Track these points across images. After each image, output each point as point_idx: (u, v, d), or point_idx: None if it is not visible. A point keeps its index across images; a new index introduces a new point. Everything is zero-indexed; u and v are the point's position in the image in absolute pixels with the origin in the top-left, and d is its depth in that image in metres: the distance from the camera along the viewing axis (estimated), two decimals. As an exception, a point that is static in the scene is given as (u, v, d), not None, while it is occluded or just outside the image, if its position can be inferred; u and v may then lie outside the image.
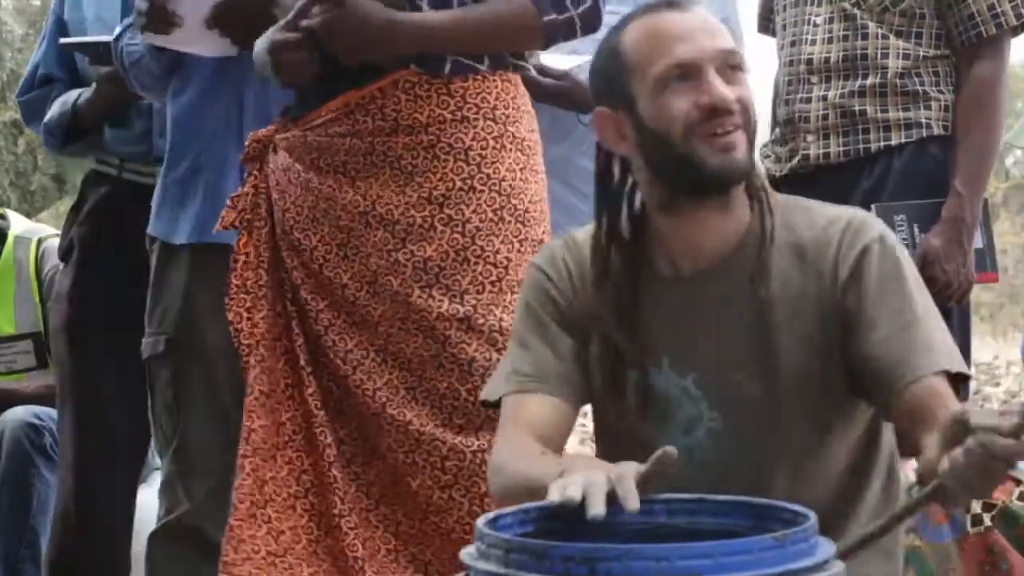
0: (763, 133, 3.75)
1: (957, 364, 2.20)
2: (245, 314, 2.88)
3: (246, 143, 2.93)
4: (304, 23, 2.79)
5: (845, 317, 2.23)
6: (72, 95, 3.61)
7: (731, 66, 2.23)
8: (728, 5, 3.63)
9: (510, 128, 2.87)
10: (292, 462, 2.87)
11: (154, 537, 3.26)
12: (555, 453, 2.26)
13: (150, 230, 3.32)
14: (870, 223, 2.30)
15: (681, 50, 2.22)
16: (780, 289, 2.26)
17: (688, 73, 2.22)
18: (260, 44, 2.84)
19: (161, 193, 3.29)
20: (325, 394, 2.87)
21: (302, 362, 2.86)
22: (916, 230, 3.45)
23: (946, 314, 3.42)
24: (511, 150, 2.86)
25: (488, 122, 2.83)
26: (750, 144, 2.26)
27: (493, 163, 2.81)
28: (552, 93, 3.44)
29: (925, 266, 3.39)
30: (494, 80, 2.86)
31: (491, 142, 2.83)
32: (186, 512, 3.21)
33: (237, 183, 3.12)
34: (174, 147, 3.26)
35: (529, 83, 3.05)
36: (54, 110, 3.64)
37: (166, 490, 3.26)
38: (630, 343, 2.30)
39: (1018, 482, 2.79)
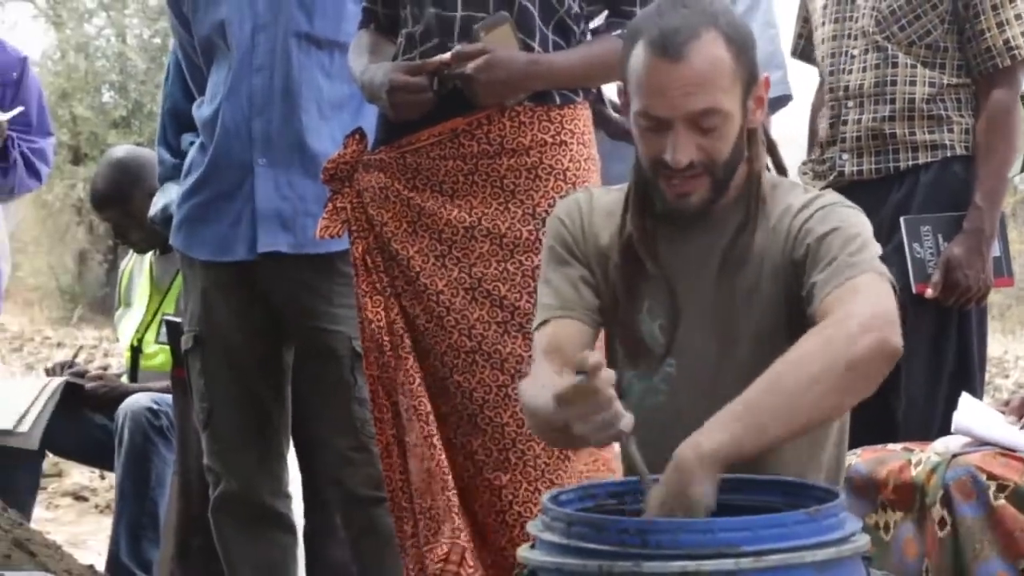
0: (801, 150, 3.76)
1: (872, 271, 2.11)
2: (383, 313, 2.85)
3: (326, 164, 2.91)
4: (450, 71, 2.76)
5: (796, 271, 2.19)
6: (173, 201, 3.59)
7: (703, 120, 2.18)
8: (774, 40, 3.62)
9: (592, 151, 2.89)
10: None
11: (214, 510, 3.32)
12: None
13: (174, 243, 3.36)
14: (829, 197, 2.26)
15: (655, 105, 2.19)
16: (751, 261, 2.24)
17: (657, 126, 2.20)
18: (377, 79, 2.81)
19: (185, 211, 3.31)
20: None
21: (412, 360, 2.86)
22: (940, 240, 3.44)
23: (966, 315, 3.44)
24: (594, 171, 2.88)
25: (580, 146, 2.85)
26: (716, 183, 2.23)
27: (584, 182, 2.82)
28: (623, 130, 3.44)
29: (948, 272, 3.39)
30: (583, 108, 2.88)
31: (582, 163, 2.84)
32: (239, 486, 3.27)
33: (244, 207, 3.18)
34: (206, 175, 3.27)
35: (603, 119, 3.05)
36: (159, 204, 3.66)
37: (212, 467, 3.32)
38: (624, 284, 2.31)
39: (1029, 462, 2.76)
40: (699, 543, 1.81)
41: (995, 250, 3.45)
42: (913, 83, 3.48)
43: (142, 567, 4.07)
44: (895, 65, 3.48)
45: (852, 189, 3.45)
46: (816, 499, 1.95)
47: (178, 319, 3.55)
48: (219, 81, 3.24)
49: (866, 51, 3.51)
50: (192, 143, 3.59)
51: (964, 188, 3.45)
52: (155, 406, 4.10)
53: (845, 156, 3.54)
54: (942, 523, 2.77)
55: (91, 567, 3.54)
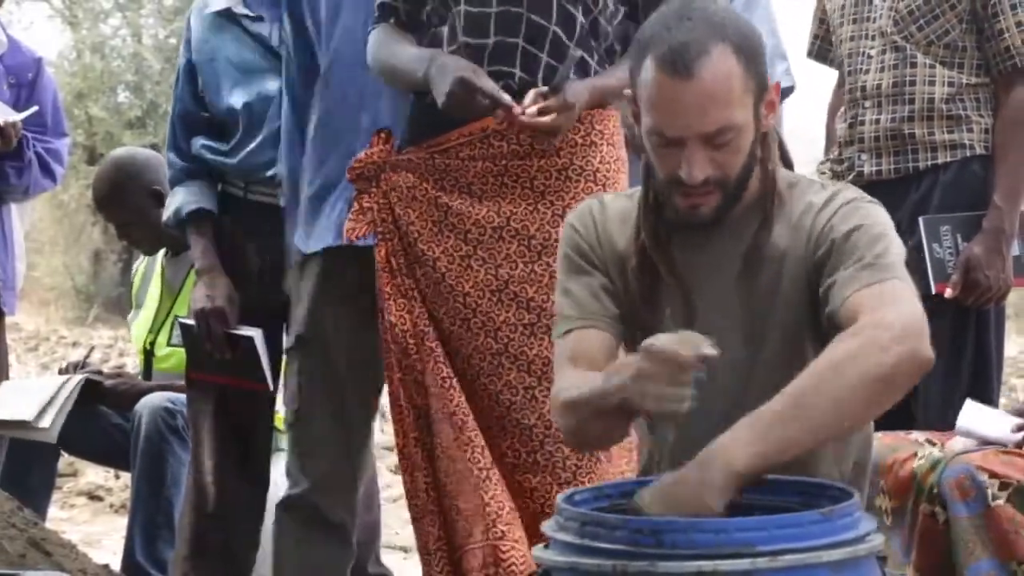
0: (818, 151, 3.76)
1: (895, 276, 2.11)
2: (408, 316, 2.86)
3: (353, 163, 2.91)
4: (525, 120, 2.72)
5: (819, 268, 2.18)
6: (185, 203, 3.61)
7: (718, 137, 2.16)
8: (776, 32, 3.60)
9: (621, 152, 2.89)
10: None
11: (279, 508, 3.30)
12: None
13: (296, 242, 3.29)
14: (850, 192, 2.26)
15: (668, 124, 2.16)
16: (772, 261, 2.24)
17: (671, 143, 2.18)
18: (449, 64, 2.75)
19: (300, 209, 3.27)
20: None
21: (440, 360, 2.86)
22: (960, 239, 3.44)
23: (983, 314, 3.44)
24: (623, 171, 2.88)
25: (609, 147, 2.86)
26: (727, 196, 2.21)
27: (614, 183, 2.83)
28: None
29: (968, 271, 3.39)
30: (612, 112, 2.88)
31: (612, 164, 2.85)
32: (307, 489, 3.23)
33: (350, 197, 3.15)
34: (309, 169, 3.24)
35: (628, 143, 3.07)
36: (171, 207, 3.65)
37: (289, 468, 3.29)
38: (643, 291, 2.30)
39: (1032, 460, 2.78)
40: (714, 543, 1.81)
41: (1015, 249, 3.46)
42: (932, 83, 3.48)
43: (157, 566, 4.08)
44: (913, 65, 3.49)
45: (870, 189, 3.43)
46: (831, 499, 1.96)
47: (191, 321, 3.56)
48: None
49: (884, 51, 3.52)
50: (204, 146, 3.60)
51: (983, 188, 3.46)
52: (171, 406, 4.11)
53: (864, 156, 3.55)
54: (934, 520, 2.79)
55: (106, 567, 3.55)
